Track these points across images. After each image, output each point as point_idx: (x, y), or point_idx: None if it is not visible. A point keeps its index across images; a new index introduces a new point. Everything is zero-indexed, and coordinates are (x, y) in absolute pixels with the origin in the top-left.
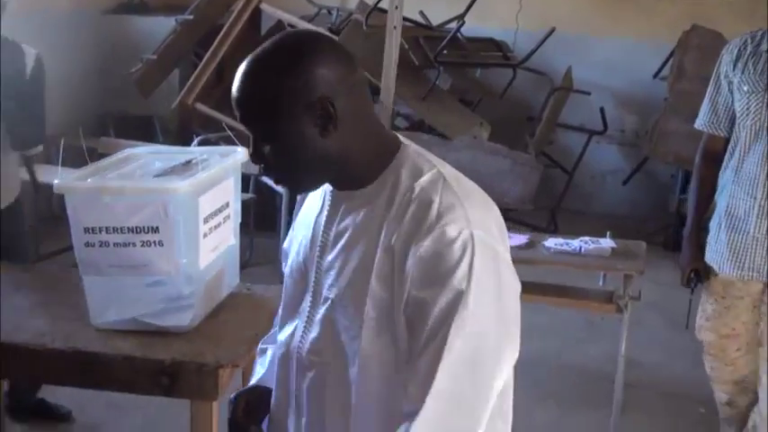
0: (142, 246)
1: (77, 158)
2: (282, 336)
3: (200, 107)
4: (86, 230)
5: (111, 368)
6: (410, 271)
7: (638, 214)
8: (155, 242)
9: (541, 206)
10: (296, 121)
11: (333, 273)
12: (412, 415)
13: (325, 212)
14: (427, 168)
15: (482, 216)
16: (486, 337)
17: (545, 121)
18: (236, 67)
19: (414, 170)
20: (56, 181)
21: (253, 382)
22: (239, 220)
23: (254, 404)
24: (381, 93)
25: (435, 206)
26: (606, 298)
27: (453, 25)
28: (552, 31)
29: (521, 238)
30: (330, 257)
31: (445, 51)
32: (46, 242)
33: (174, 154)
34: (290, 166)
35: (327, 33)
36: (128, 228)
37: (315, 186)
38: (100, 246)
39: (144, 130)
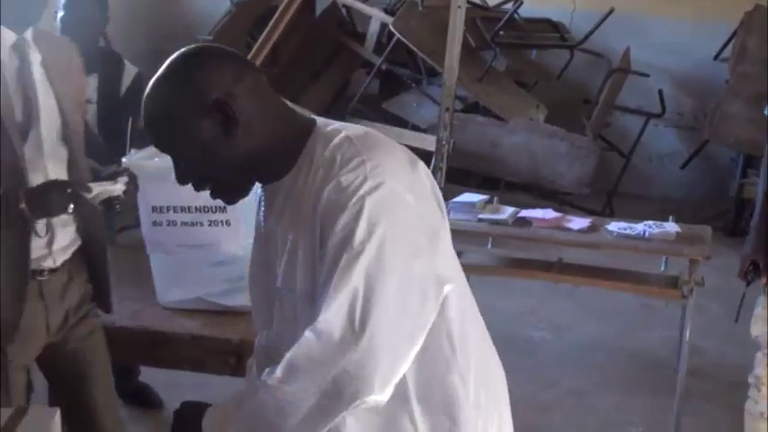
0: (209, 225)
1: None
2: (260, 342)
3: None
4: (154, 209)
5: (179, 347)
6: (318, 228)
7: (696, 198)
8: (222, 222)
9: (597, 189)
10: (198, 129)
11: (280, 264)
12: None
13: (261, 210)
14: (336, 135)
15: (384, 162)
16: (381, 271)
17: (602, 104)
18: (291, 48)
19: (325, 141)
20: (124, 159)
21: None
22: None
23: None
24: (444, 73)
25: (337, 162)
26: (670, 283)
27: (510, 6)
28: (611, 11)
29: (583, 222)
30: (272, 252)
31: (502, 32)
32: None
33: None
34: (209, 176)
35: (215, 45)
36: (195, 207)
37: (244, 191)
38: (167, 225)
39: None
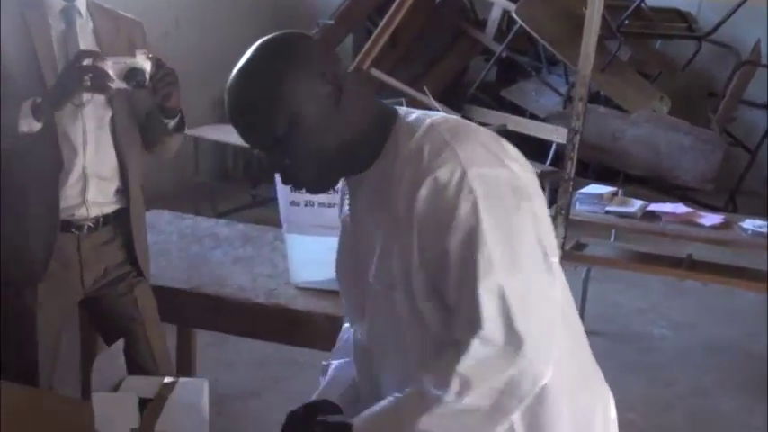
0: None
1: None
2: (352, 337)
3: (376, 72)
4: (293, 190)
5: (314, 326)
6: (416, 229)
7: None
8: None
9: (719, 186)
10: (308, 102)
11: (370, 260)
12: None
13: (346, 204)
14: (419, 124)
15: (474, 148)
16: (517, 263)
17: (729, 97)
18: (411, 34)
19: (409, 131)
20: None
21: (314, 397)
22: None
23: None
24: (580, 60)
25: (425, 154)
26: None
27: None
28: (743, 1)
29: (715, 218)
30: (362, 246)
31: (627, 21)
32: (222, 201)
33: None
34: (314, 155)
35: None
36: (333, 188)
37: (334, 179)
38: (305, 205)
39: None
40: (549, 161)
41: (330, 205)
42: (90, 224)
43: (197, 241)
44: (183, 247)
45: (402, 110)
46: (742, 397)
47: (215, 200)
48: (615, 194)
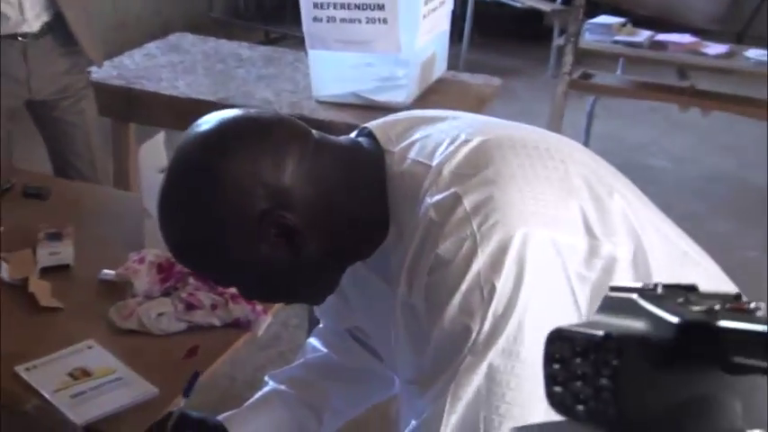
0: (367, 23)
1: None
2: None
3: None
4: (315, 5)
5: (336, 134)
6: (420, 306)
7: None
8: (379, 19)
9: (727, 29)
10: (255, 260)
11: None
12: None
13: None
14: (423, 173)
15: (497, 195)
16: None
17: None
18: None
19: (412, 190)
20: None
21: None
22: (452, 6)
23: None
24: None
25: (432, 215)
26: None
27: None
28: None
29: (720, 47)
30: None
31: None
32: (235, 39)
33: None
34: (288, 292)
35: (227, 120)
36: (354, 4)
37: (333, 286)
38: (327, 21)
39: None
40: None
41: (351, 21)
42: (34, 32)
43: (221, 61)
44: (207, 66)
45: (381, 137)
46: (737, 222)
47: (228, 37)
48: (624, 25)
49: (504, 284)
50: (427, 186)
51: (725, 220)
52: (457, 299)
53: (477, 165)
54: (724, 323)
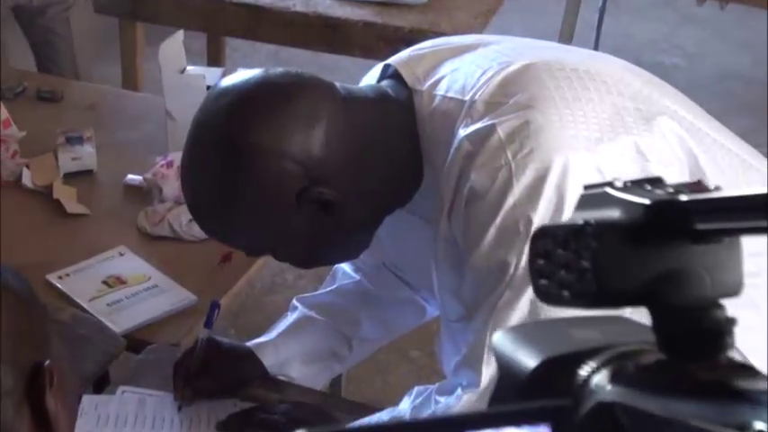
0: None
1: None
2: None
3: None
4: None
5: (352, 32)
6: (458, 237)
7: None
8: None
9: None
10: (293, 231)
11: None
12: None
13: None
14: (456, 109)
15: (537, 118)
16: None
17: None
18: None
19: (444, 128)
20: None
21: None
22: None
23: None
24: None
25: (467, 146)
26: None
27: None
28: None
29: None
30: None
31: None
32: None
33: None
34: (321, 258)
35: (260, 80)
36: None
37: (368, 242)
38: None
39: None
40: None
41: None
42: None
43: None
44: None
45: (408, 77)
46: (753, 119)
47: None
48: None
49: (542, 217)
50: (461, 121)
51: (739, 117)
52: (492, 233)
53: (512, 91)
54: (687, 197)
